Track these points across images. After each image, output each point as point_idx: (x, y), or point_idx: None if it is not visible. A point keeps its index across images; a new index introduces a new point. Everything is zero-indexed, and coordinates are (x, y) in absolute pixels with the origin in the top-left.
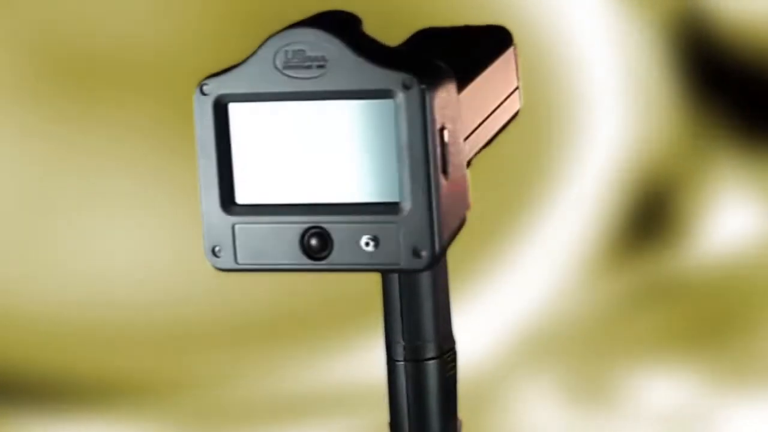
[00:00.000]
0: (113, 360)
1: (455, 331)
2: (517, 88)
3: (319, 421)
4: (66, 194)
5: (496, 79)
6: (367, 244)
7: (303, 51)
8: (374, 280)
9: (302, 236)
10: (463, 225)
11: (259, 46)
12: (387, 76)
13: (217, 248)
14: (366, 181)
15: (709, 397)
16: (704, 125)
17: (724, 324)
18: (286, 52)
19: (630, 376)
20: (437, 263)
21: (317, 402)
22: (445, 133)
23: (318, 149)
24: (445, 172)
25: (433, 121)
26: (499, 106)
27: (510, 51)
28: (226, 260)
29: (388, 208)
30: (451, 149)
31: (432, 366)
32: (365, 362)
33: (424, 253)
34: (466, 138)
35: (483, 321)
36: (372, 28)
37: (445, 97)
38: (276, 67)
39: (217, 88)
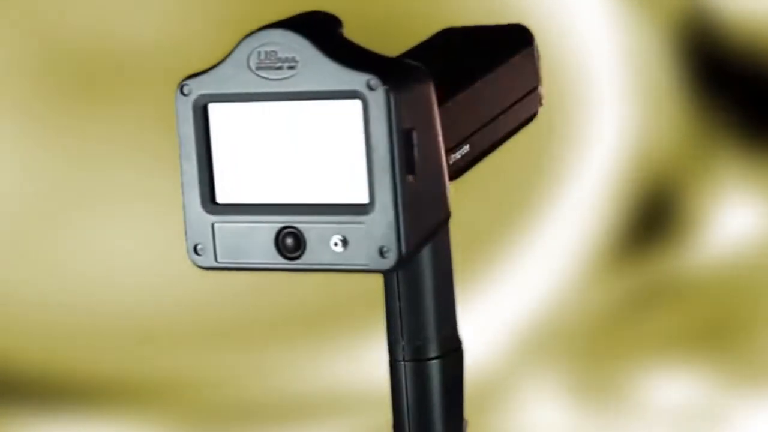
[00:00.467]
0: (113, 360)
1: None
2: (535, 88)
3: (320, 421)
4: (66, 194)
5: (509, 79)
6: (336, 244)
7: (275, 52)
8: (376, 279)
9: (277, 236)
10: (440, 228)
11: (235, 47)
12: (353, 77)
13: (199, 247)
14: (336, 181)
15: (711, 396)
16: (707, 126)
17: (727, 324)
18: (259, 53)
19: (633, 375)
20: (406, 264)
21: (317, 402)
22: (414, 134)
23: (291, 150)
24: (412, 173)
25: (399, 122)
26: (512, 105)
27: (529, 51)
28: (207, 259)
29: (357, 209)
30: (421, 151)
31: (434, 366)
32: (367, 362)
33: (390, 254)
34: (469, 137)
35: (486, 321)
36: (392, 29)
37: (414, 98)
38: (250, 68)
39: (196, 88)
